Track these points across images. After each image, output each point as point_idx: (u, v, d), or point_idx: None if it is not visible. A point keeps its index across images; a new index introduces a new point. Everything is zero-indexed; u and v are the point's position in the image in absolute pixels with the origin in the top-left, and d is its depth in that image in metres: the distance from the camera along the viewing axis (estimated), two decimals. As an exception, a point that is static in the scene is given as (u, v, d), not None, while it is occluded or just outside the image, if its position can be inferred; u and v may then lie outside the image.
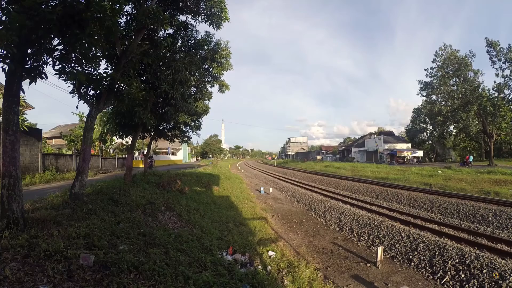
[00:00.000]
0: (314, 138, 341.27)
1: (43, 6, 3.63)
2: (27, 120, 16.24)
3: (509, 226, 9.08)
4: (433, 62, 34.50)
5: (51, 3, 3.82)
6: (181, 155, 56.36)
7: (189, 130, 14.77)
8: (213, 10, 9.69)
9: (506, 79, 30.11)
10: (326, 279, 5.77)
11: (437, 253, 6.48)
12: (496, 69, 30.25)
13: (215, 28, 10.13)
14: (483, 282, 5.18)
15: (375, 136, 60.64)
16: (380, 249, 6.45)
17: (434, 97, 36.24)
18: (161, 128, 13.43)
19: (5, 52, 3.81)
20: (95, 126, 18.09)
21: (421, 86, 37.22)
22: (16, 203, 4.06)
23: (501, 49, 29.38)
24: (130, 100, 6.86)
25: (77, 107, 18.51)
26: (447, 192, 15.53)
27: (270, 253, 6.55)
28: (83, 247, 3.75)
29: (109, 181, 10.08)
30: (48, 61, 4.38)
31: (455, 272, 5.70)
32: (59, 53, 4.38)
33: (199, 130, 14.73)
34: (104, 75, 6.18)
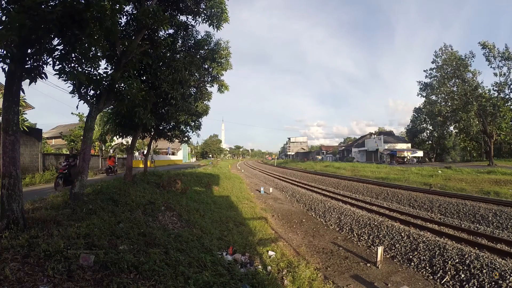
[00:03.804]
0: (314, 138, 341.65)
1: (43, 6, 3.62)
2: (27, 120, 16.24)
3: (509, 226, 9.07)
4: (432, 62, 34.59)
5: (51, 3, 3.82)
6: (181, 155, 56.40)
7: (189, 130, 14.79)
8: (213, 11, 9.71)
9: (505, 77, 30.19)
10: (326, 279, 5.77)
11: (437, 253, 6.48)
12: (493, 68, 30.42)
13: (215, 29, 10.15)
14: (483, 282, 5.18)
15: (375, 136, 60.62)
16: (380, 249, 6.45)
17: (434, 97, 36.29)
18: (161, 128, 13.44)
19: (5, 52, 3.80)
20: (95, 126, 18.09)
21: (421, 86, 37.28)
22: (16, 203, 4.06)
23: (498, 50, 29.55)
24: (130, 100, 6.86)
25: (77, 107, 18.52)
26: (447, 192, 15.53)
27: (270, 253, 6.55)
28: (83, 247, 3.75)
29: (109, 181, 10.09)
30: (48, 61, 4.37)
31: (455, 272, 5.70)
32: (59, 53, 4.37)
33: (199, 130, 14.77)
34: (104, 75, 6.19)
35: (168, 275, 3.62)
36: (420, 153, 48.07)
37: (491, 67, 30.55)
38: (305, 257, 6.97)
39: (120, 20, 6.78)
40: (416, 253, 6.78)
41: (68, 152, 9.88)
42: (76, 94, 6.29)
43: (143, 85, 8.28)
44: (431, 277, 5.83)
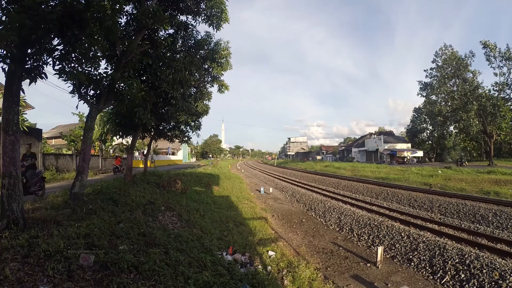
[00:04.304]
0: (314, 138, 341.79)
1: (43, 6, 3.62)
2: (27, 120, 16.25)
3: (509, 226, 9.07)
4: (433, 62, 34.61)
5: (51, 3, 3.82)
6: (181, 155, 56.38)
7: (189, 130, 14.80)
8: (213, 10, 9.71)
9: (506, 77, 30.20)
10: (326, 279, 5.77)
11: (437, 253, 6.48)
12: (493, 68, 30.43)
13: (215, 29, 10.15)
14: (483, 282, 5.18)
15: (375, 136, 60.60)
16: (380, 249, 6.45)
17: (434, 97, 36.30)
18: (161, 128, 13.45)
19: (5, 52, 3.81)
20: (95, 126, 18.12)
21: (421, 86, 37.31)
22: (16, 203, 4.06)
23: (499, 50, 29.55)
24: (130, 100, 6.87)
25: (77, 107, 18.60)
26: (447, 192, 15.53)
27: (270, 253, 6.55)
28: (83, 247, 3.75)
29: (109, 181, 10.09)
30: (48, 61, 4.38)
31: (455, 272, 5.70)
32: (59, 53, 4.38)
33: (199, 130, 14.79)
34: (104, 75, 6.20)
35: (168, 275, 3.62)
36: (420, 153, 48.04)
37: (491, 66, 30.58)
38: (305, 257, 6.97)
39: (120, 20, 6.77)
40: (416, 253, 6.78)
41: (25, 151, 8.18)
42: (76, 94, 6.30)
43: (143, 85, 8.28)
44: (431, 277, 5.83)
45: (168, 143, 17.28)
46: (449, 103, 33.98)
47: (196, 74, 12.17)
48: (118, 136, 12.29)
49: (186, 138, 15.33)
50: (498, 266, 5.41)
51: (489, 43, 29.69)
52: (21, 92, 4.26)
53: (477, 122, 31.99)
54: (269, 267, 5.65)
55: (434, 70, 34.66)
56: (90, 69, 5.60)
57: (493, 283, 5.09)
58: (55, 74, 4.65)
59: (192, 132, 15.01)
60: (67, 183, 10.99)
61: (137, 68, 8.48)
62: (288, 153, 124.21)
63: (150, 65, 9.02)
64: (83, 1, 4.05)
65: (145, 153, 17.16)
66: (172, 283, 3.45)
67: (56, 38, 4.28)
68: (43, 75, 4.33)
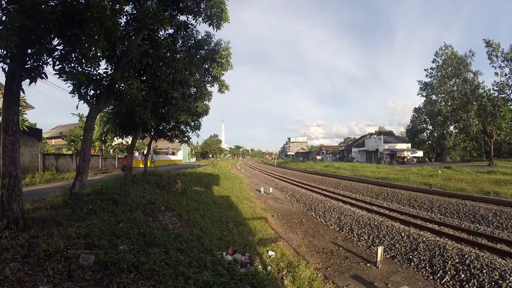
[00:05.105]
0: (314, 138, 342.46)
1: (43, 6, 3.62)
2: (27, 120, 16.25)
3: (509, 226, 9.07)
4: (433, 62, 34.58)
5: (51, 3, 3.82)
6: (181, 155, 56.41)
7: (189, 130, 14.80)
8: (213, 10, 9.70)
9: (507, 78, 30.18)
10: (326, 279, 5.77)
11: (437, 253, 6.48)
12: (494, 67, 30.40)
13: (215, 29, 10.15)
14: (483, 282, 5.18)
15: (375, 136, 60.61)
16: (380, 249, 6.45)
17: (434, 97, 36.30)
18: (161, 128, 13.45)
19: (5, 52, 3.80)
20: (95, 126, 18.12)
21: (421, 86, 37.31)
22: (16, 203, 4.06)
23: (501, 50, 29.52)
24: (130, 100, 6.87)
25: (77, 107, 18.64)
26: (447, 192, 15.52)
27: (270, 253, 6.55)
28: (83, 247, 3.75)
29: (109, 181, 10.09)
30: (48, 61, 4.38)
31: (455, 272, 5.70)
32: (59, 53, 4.38)
33: (199, 130, 14.81)
34: (104, 75, 6.20)
35: (168, 275, 3.62)
36: (420, 153, 48.04)
37: (492, 66, 30.55)
38: (305, 257, 6.97)
39: (120, 20, 6.77)
40: (416, 253, 6.78)
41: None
42: (76, 94, 6.30)
43: (143, 85, 8.28)
44: (431, 277, 5.83)
45: (168, 143, 17.27)
46: (449, 103, 33.99)
47: (196, 74, 12.16)
48: (118, 136, 12.29)
49: (186, 138, 15.34)
50: (498, 266, 5.41)
51: (492, 42, 29.62)
52: (21, 92, 4.27)
53: (477, 122, 32.00)
54: (269, 267, 5.65)
55: (434, 70, 34.63)
56: (90, 69, 5.60)
57: (493, 283, 5.09)
58: (55, 74, 4.65)
59: (192, 132, 15.03)
60: (67, 183, 10.99)
61: (137, 68, 8.48)
62: (288, 153, 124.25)
63: (150, 65, 9.02)
64: (83, 1, 4.05)
65: (145, 153, 17.15)
66: (172, 283, 3.45)
67: (56, 38, 4.28)
68: (43, 75, 4.33)
